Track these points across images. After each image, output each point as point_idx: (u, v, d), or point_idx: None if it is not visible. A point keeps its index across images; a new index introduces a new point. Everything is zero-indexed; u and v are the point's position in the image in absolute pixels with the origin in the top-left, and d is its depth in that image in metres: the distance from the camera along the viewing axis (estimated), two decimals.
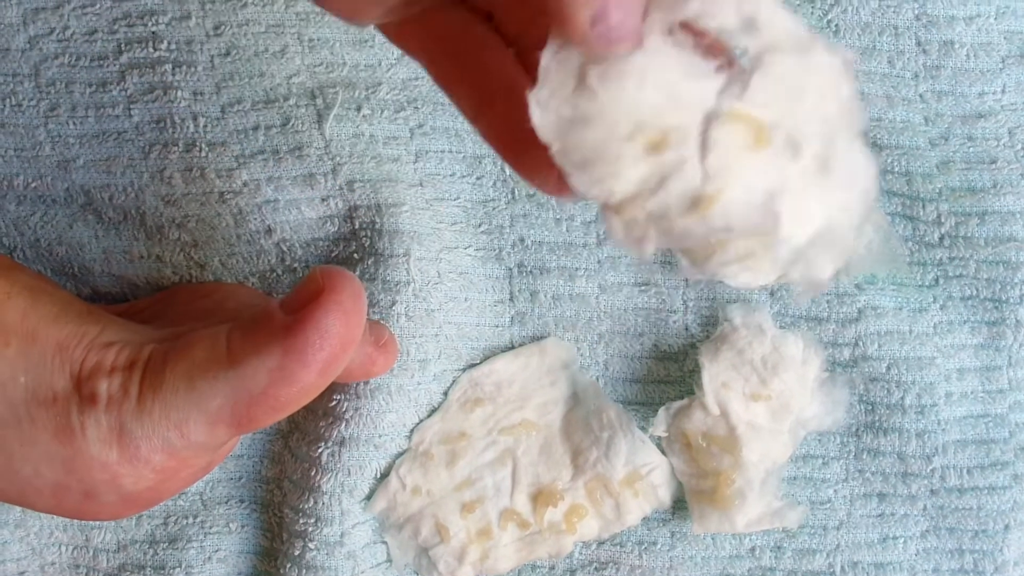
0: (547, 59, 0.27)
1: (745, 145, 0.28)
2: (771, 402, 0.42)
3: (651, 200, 0.28)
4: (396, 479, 0.42)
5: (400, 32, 0.31)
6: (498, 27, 0.30)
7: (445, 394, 0.43)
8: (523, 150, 0.29)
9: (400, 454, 0.42)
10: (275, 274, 0.42)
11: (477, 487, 0.42)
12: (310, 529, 0.41)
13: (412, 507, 0.42)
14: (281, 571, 0.42)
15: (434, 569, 0.42)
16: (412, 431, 0.43)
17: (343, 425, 0.41)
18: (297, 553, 0.41)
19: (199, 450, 0.35)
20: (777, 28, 0.28)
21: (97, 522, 0.43)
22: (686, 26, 0.27)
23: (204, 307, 0.40)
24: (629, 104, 0.27)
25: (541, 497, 0.42)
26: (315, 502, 0.41)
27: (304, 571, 0.41)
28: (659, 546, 0.43)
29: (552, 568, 0.44)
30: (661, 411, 0.42)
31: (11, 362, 0.35)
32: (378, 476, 0.42)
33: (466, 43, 0.30)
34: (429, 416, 0.43)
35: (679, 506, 0.43)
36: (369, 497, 0.42)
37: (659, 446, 0.43)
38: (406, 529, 0.42)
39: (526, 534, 0.42)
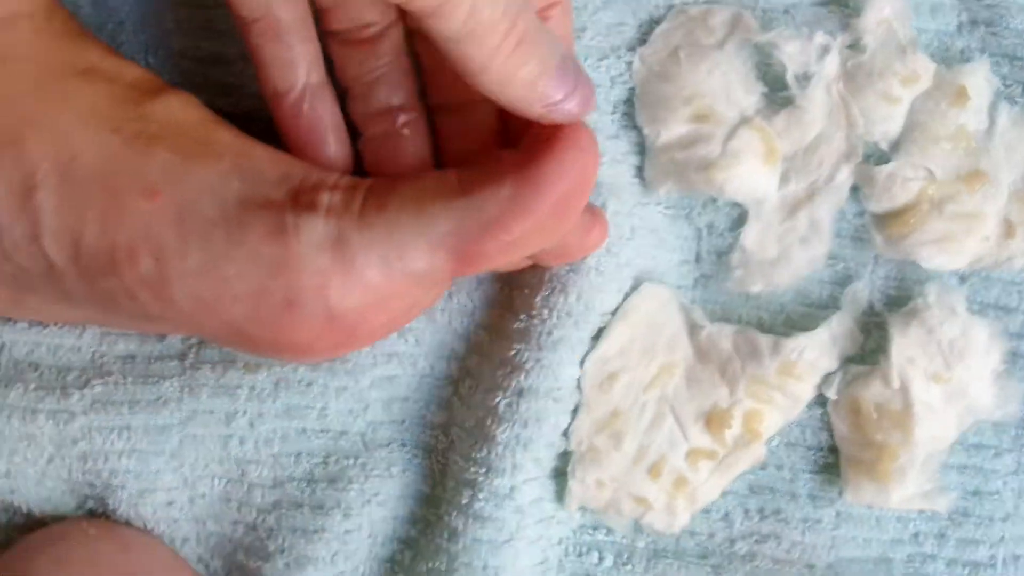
0: (656, 33, 0.41)
1: (757, 153, 0.41)
2: (949, 385, 0.41)
3: (680, 152, 0.41)
4: (577, 485, 0.41)
5: None
6: None
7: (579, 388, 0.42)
8: None
9: (574, 410, 0.41)
10: None
11: (652, 450, 0.41)
12: (480, 479, 0.40)
13: (604, 498, 0.41)
14: (445, 519, 0.41)
15: (652, 530, 0.42)
16: (567, 434, 0.41)
17: (523, 376, 0.40)
18: (465, 502, 0.40)
19: (413, 280, 0.34)
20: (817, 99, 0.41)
21: (253, 456, 0.41)
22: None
23: None
24: (697, 80, 0.41)
25: (713, 424, 0.41)
26: (488, 451, 0.40)
27: (471, 520, 0.40)
28: (823, 524, 0.42)
29: (712, 535, 0.43)
30: (839, 373, 0.42)
31: (224, 172, 0.34)
32: (555, 431, 0.41)
33: None
34: (574, 418, 0.41)
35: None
36: (544, 452, 0.41)
37: (825, 408, 0.42)
38: (609, 513, 0.42)
39: (719, 460, 0.42)
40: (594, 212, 0.39)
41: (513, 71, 0.32)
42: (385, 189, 0.34)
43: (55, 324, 0.41)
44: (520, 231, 0.33)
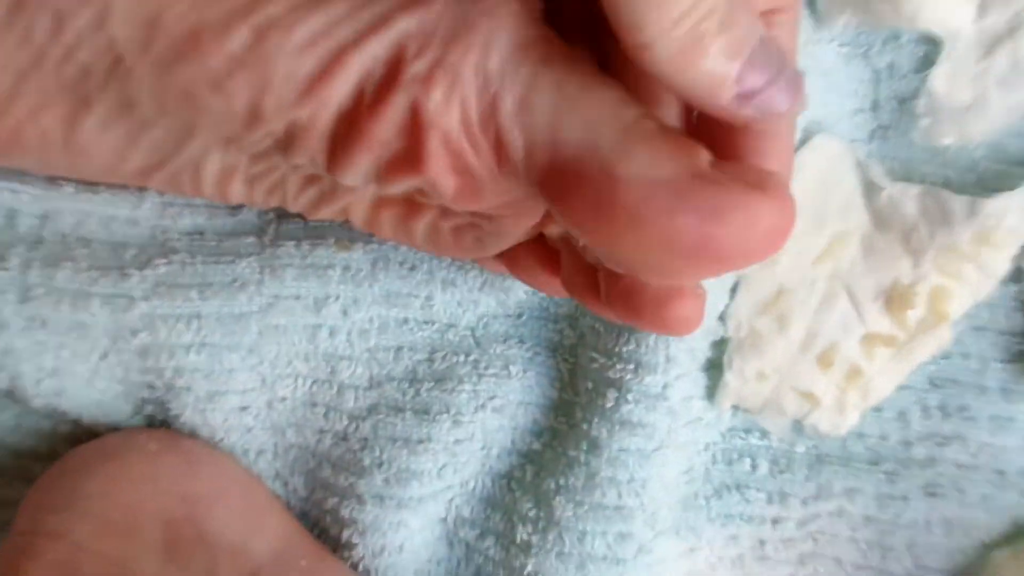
0: None
1: None
2: None
3: None
4: (733, 377, 0.35)
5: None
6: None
7: None
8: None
9: (732, 290, 0.35)
10: None
11: (823, 336, 0.35)
12: (627, 378, 0.33)
13: (763, 393, 0.35)
14: (582, 427, 0.34)
15: (816, 432, 0.35)
16: (723, 318, 0.35)
17: None
18: (609, 406, 0.33)
19: (492, 148, 0.26)
20: None
21: (346, 350, 0.34)
22: None
23: None
24: None
25: (894, 303, 0.35)
26: (637, 345, 0.33)
27: (617, 428, 0.33)
28: (1016, 423, 0.36)
29: (884, 438, 0.36)
30: None
31: None
32: (711, 314, 0.34)
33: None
34: (732, 299, 0.35)
35: None
36: (700, 340, 0.34)
37: (1019, 285, 0.36)
38: (766, 412, 0.35)
39: (898, 347, 0.35)
40: (699, 294, 0.28)
41: (696, 46, 0.24)
42: (572, 55, 0.26)
43: (107, 189, 0.33)
44: (622, 218, 0.24)
